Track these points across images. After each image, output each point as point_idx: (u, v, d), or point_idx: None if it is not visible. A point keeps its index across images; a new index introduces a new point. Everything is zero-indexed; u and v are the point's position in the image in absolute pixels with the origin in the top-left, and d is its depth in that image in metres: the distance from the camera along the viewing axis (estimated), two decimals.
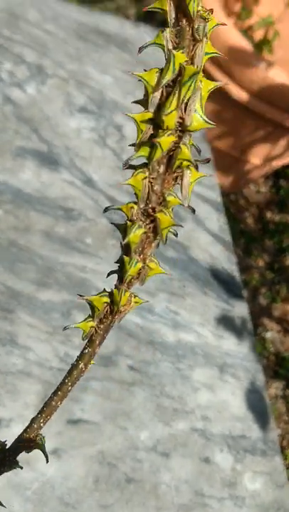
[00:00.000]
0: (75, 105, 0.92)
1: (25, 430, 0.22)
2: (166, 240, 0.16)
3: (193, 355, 0.74)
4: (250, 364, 0.77)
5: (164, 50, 0.14)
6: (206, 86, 0.14)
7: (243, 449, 0.70)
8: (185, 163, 0.15)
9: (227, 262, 0.86)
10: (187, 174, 0.16)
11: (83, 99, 0.93)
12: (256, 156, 1.29)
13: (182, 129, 0.15)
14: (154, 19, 1.63)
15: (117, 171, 0.88)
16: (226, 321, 0.79)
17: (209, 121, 0.15)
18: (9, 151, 0.81)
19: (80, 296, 0.18)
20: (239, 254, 1.36)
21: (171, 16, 0.14)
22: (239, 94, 1.12)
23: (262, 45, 1.39)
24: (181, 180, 0.16)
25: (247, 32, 1.42)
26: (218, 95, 1.15)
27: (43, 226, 0.77)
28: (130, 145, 0.15)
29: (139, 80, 0.15)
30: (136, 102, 0.15)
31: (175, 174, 0.16)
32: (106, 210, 0.17)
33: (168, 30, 0.14)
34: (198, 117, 0.15)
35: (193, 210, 0.16)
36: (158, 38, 0.14)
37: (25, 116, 0.86)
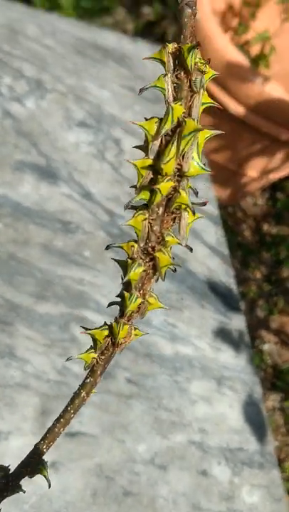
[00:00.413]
0: (74, 119, 0.93)
1: (28, 456, 0.22)
2: (164, 276, 0.17)
3: (191, 368, 0.74)
4: (248, 377, 0.77)
5: (164, 94, 0.15)
6: (202, 135, 0.16)
7: (240, 461, 0.70)
8: (183, 205, 0.17)
9: (225, 274, 0.87)
10: (185, 216, 0.17)
11: (82, 114, 0.94)
12: (253, 169, 1.30)
13: (180, 174, 0.16)
14: (152, 34, 1.65)
15: (115, 184, 0.89)
16: (223, 334, 0.79)
17: (205, 168, 0.16)
18: (8, 164, 0.82)
19: (84, 328, 0.19)
20: (236, 266, 1.36)
21: (170, 66, 0.15)
22: (236, 108, 1.14)
23: (258, 60, 1.41)
24: (179, 221, 0.17)
25: (244, 47, 1.44)
26: (216, 109, 1.17)
27: (42, 239, 0.77)
28: (131, 187, 0.16)
29: (143, 91, 0.16)
30: (137, 147, 0.16)
31: (173, 215, 0.17)
32: (108, 247, 0.18)
33: (169, 74, 0.15)
34: (195, 164, 0.16)
35: (191, 249, 0.17)
36: (159, 81, 0.15)
37: (25, 130, 0.87)
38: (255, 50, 1.44)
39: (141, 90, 0.15)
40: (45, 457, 0.24)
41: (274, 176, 1.36)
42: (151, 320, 0.76)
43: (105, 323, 0.20)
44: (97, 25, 1.56)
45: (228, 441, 0.71)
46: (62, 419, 0.22)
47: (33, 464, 0.22)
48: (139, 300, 0.18)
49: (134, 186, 0.16)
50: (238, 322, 0.82)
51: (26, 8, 1.10)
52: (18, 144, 0.85)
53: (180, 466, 0.67)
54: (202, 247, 0.89)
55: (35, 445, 0.22)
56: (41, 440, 0.22)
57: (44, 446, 0.22)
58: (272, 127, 1.14)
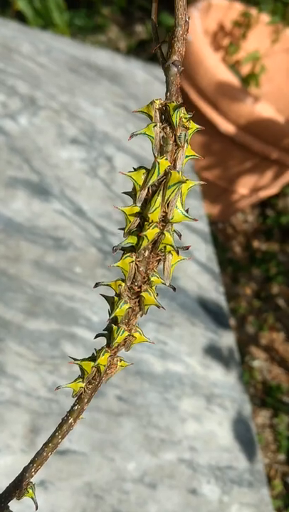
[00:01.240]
0: (67, 136, 0.94)
1: (17, 479, 0.23)
2: (146, 312, 0.18)
3: (181, 386, 0.74)
4: (237, 394, 0.78)
5: (151, 142, 0.16)
6: (186, 186, 0.17)
7: (230, 480, 0.70)
8: (168, 247, 0.18)
9: (215, 292, 0.87)
10: (169, 258, 0.18)
11: (74, 131, 0.95)
12: (243, 187, 1.31)
13: (165, 220, 0.17)
14: (144, 52, 1.68)
15: (106, 201, 0.89)
16: (213, 351, 0.79)
17: (188, 215, 0.17)
18: (1, 180, 0.82)
19: (73, 359, 0.20)
20: (227, 282, 1.37)
21: (157, 119, 0.16)
22: (227, 127, 1.16)
23: (249, 79, 1.43)
24: (164, 262, 0.18)
25: (235, 66, 1.47)
26: (207, 128, 1.19)
27: (33, 255, 0.78)
28: (119, 229, 0.18)
29: (139, 111, 0.17)
30: (125, 193, 0.18)
31: (158, 257, 0.18)
32: (97, 285, 0.18)
33: (158, 125, 0.16)
34: (178, 212, 0.17)
35: (174, 288, 0.18)
36: (148, 130, 0.16)
37: (18, 146, 0.88)
38: (246, 69, 1.47)
39: (131, 136, 0.16)
40: (34, 475, 0.24)
41: (264, 194, 1.37)
42: None
43: (93, 354, 0.20)
44: (91, 42, 1.58)
45: (217, 460, 0.71)
46: (50, 444, 0.22)
47: (21, 486, 0.23)
48: (126, 333, 0.19)
49: (122, 229, 0.18)
50: (228, 339, 0.83)
51: (21, 26, 1.11)
52: (11, 160, 0.86)
53: (169, 484, 0.67)
54: (193, 264, 0.90)
55: (24, 468, 0.23)
56: (30, 464, 0.23)
57: (32, 470, 0.23)
58: (262, 146, 1.16)
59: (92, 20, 1.56)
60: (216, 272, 0.91)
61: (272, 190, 1.38)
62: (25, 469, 0.23)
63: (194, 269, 0.89)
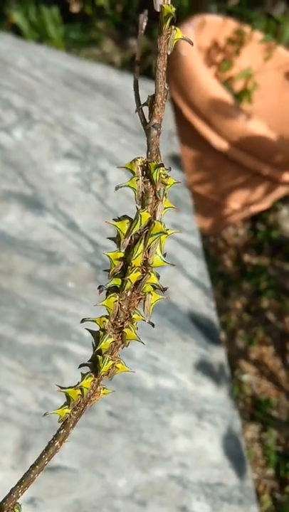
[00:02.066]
0: (61, 150, 0.94)
1: (4, 499, 0.23)
2: (128, 345, 0.21)
3: (172, 401, 0.75)
4: (228, 410, 0.78)
5: (135, 193, 0.18)
6: (164, 236, 0.19)
7: (220, 497, 0.70)
8: (148, 288, 0.20)
9: (206, 307, 0.88)
10: (149, 297, 0.20)
11: (69, 145, 0.96)
12: (235, 201, 1.33)
13: (145, 264, 0.20)
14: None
15: (100, 215, 0.90)
16: (204, 367, 0.80)
17: (166, 261, 0.20)
18: None
19: (59, 387, 0.22)
20: (217, 296, 1.38)
21: (139, 174, 0.18)
22: (219, 143, 1.17)
23: (242, 96, 1.46)
24: (144, 301, 0.20)
25: (228, 82, 1.49)
26: (200, 143, 1.20)
27: (26, 269, 0.78)
28: (104, 270, 0.20)
29: (124, 167, 0.19)
30: (110, 238, 0.20)
31: (139, 297, 0.20)
32: (83, 321, 0.21)
33: (141, 178, 0.18)
34: (157, 258, 0.19)
35: (153, 325, 0.20)
36: (132, 182, 0.18)
37: (12, 160, 0.88)
38: (238, 85, 1.49)
39: (116, 188, 0.18)
40: (20, 496, 0.25)
41: (255, 208, 1.39)
42: (133, 353, 0.76)
43: (78, 383, 0.22)
44: (85, 56, 1.60)
45: (207, 476, 0.71)
46: (37, 466, 0.23)
47: (8, 507, 0.23)
48: (111, 362, 0.21)
49: (107, 271, 0.20)
50: (218, 355, 0.83)
51: (17, 39, 1.12)
52: (5, 174, 0.86)
53: (160, 501, 0.66)
54: (184, 279, 0.91)
55: (11, 490, 0.24)
56: (17, 485, 0.24)
57: (19, 491, 0.24)
58: (254, 162, 1.18)
59: (87, 34, 1.58)
60: (207, 288, 0.91)
61: (264, 205, 1.39)
62: (12, 490, 0.24)
63: (186, 285, 0.90)
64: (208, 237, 1.49)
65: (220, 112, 1.14)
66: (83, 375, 0.22)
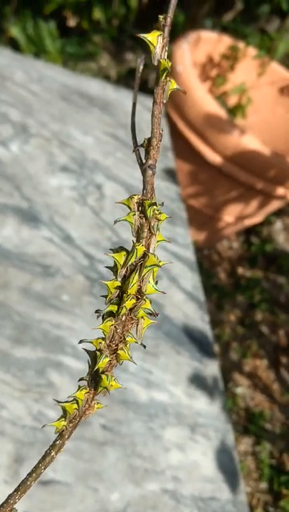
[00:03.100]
0: (57, 164, 0.95)
1: (1, 505, 0.25)
2: (122, 364, 0.23)
3: (165, 415, 0.75)
4: (221, 424, 0.78)
5: (131, 226, 0.20)
6: (156, 268, 0.21)
7: (212, 511, 0.70)
8: (141, 313, 0.22)
9: (200, 320, 0.88)
10: (141, 322, 0.22)
11: (65, 159, 0.96)
12: (229, 215, 1.34)
13: (140, 292, 0.21)
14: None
15: (95, 228, 0.91)
16: (197, 381, 0.80)
17: (158, 289, 0.21)
18: None
19: (56, 401, 0.23)
20: (211, 308, 1.39)
21: (135, 209, 0.20)
22: (214, 157, 1.18)
23: (236, 110, 1.48)
24: (137, 325, 0.22)
25: (222, 97, 1.51)
26: (195, 158, 1.21)
27: (21, 282, 0.78)
28: (101, 296, 0.22)
29: (121, 203, 0.21)
30: (108, 267, 0.21)
31: (133, 321, 0.22)
32: (81, 342, 0.22)
33: (137, 213, 0.21)
34: (150, 286, 0.21)
35: (144, 346, 0.22)
36: (128, 217, 0.20)
37: (8, 173, 0.89)
38: (232, 100, 1.51)
39: (115, 222, 0.20)
40: (17, 507, 0.26)
41: (249, 222, 1.40)
42: (128, 366, 0.77)
43: (75, 398, 0.24)
44: (82, 69, 1.61)
45: (200, 490, 0.71)
46: (34, 474, 0.25)
47: None
48: (112, 378, 0.23)
49: (105, 296, 0.22)
50: (212, 368, 0.83)
51: (15, 54, 1.13)
52: (2, 187, 0.87)
53: None
54: (178, 292, 0.91)
55: (9, 496, 0.25)
56: (14, 491, 0.25)
57: (17, 497, 0.25)
58: (248, 176, 1.19)
59: (84, 47, 1.60)
60: (201, 301, 0.92)
61: (257, 219, 1.40)
62: (10, 496, 0.26)
63: (180, 298, 0.90)
64: (202, 250, 1.50)
65: (214, 127, 1.16)
66: (79, 388, 0.24)
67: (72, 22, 1.52)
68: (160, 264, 0.21)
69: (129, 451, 0.70)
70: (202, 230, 1.41)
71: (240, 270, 1.53)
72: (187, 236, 1.01)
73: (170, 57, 1.24)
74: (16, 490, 0.25)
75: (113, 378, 0.23)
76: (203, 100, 1.19)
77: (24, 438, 0.66)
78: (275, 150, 1.38)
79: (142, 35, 0.18)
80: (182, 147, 1.18)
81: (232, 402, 1.24)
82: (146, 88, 1.61)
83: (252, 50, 1.51)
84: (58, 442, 0.24)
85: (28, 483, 0.25)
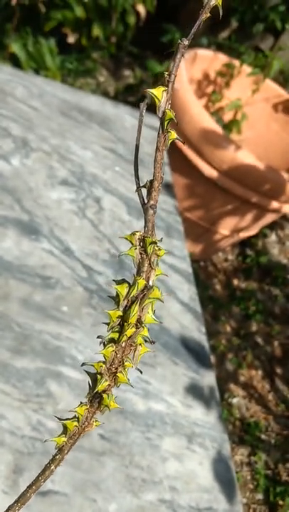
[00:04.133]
0: (57, 178, 0.97)
1: None
2: (119, 386, 0.25)
3: (163, 425, 0.76)
4: (218, 434, 0.79)
5: (133, 260, 0.22)
6: (155, 296, 0.23)
7: None
8: (139, 340, 0.24)
9: (196, 331, 0.90)
10: (139, 348, 0.24)
11: (65, 172, 0.98)
12: (225, 227, 1.36)
13: (139, 321, 0.23)
14: (132, 96, 1.75)
15: (94, 241, 0.92)
16: (194, 391, 0.81)
17: (156, 319, 0.23)
18: None
19: (58, 418, 0.25)
20: (207, 319, 1.40)
21: (137, 244, 0.22)
22: (210, 171, 1.21)
23: (231, 126, 1.51)
24: (134, 351, 0.24)
25: (218, 113, 1.54)
26: (191, 172, 1.24)
27: (22, 293, 0.79)
28: (104, 323, 0.24)
29: (124, 238, 0.23)
30: (111, 297, 0.23)
31: (132, 347, 0.24)
32: (83, 365, 0.24)
33: (138, 248, 0.23)
34: (149, 316, 0.23)
35: (141, 372, 0.25)
36: (130, 251, 0.22)
37: (9, 186, 0.91)
38: (228, 116, 1.54)
39: (119, 256, 0.22)
40: None
41: (244, 234, 1.42)
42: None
43: (75, 416, 0.25)
44: (81, 85, 1.64)
45: (197, 500, 0.72)
46: (33, 486, 0.26)
47: None
48: (113, 397, 0.25)
49: (107, 324, 0.24)
50: (208, 379, 0.85)
51: (16, 70, 1.16)
52: (3, 200, 0.88)
53: None
54: (175, 303, 0.93)
55: (9, 506, 0.27)
56: (14, 502, 0.26)
57: (17, 508, 0.26)
58: (243, 190, 1.21)
59: (83, 64, 1.63)
60: (198, 312, 0.93)
61: (252, 232, 1.43)
62: (10, 507, 0.27)
63: (177, 309, 0.92)
64: (198, 262, 1.52)
65: (210, 142, 1.18)
66: (80, 404, 0.25)
67: (71, 39, 1.55)
68: (162, 298, 0.23)
69: (127, 462, 0.71)
70: (198, 243, 1.43)
71: (236, 282, 1.55)
72: (184, 248, 1.03)
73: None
74: (16, 501, 0.27)
75: (113, 397, 0.25)
76: (199, 116, 1.22)
77: (23, 448, 0.67)
78: (270, 164, 1.40)
79: (149, 90, 0.20)
80: (179, 161, 1.21)
81: (228, 412, 1.25)
82: (135, 100, 1.64)
83: (247, 68, 1.54)
84: (57, 457, 0.26)
85: (28, 495, 0.26)
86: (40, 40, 1.44)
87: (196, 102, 1.24)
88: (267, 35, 1.92)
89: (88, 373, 0.25)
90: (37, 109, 1.07)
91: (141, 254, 0.22)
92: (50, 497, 0.64)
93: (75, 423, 0.25)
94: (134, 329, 0.23)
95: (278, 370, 1.39)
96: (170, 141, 0.21)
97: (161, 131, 0.21)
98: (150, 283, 0.23)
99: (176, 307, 0.92)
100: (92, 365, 0.24)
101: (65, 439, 0.25)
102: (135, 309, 0.22)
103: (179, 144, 1.23)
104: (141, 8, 1.52)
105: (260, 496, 1.15)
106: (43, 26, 1.46)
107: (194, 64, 1.44)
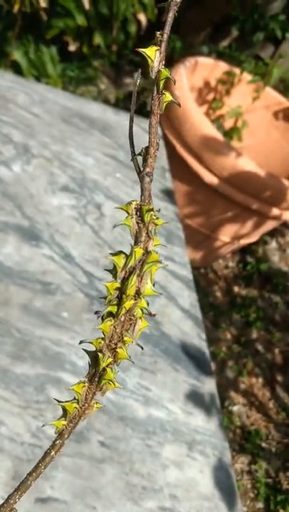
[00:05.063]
0: (58, 184, 0.97)
1: (2, 505, 0.25)
2: (119, 364, 0.24)
3: (163, 432, 0.76)
4: (218, 441, 0.79)
5: (130, 230, 0.21)
6: (154, 268, 0.22)
7: None
8: (139, 313, 0.23)
9: (197, 338, 0.90)
10: (138, 322, 0.23)
11: (65, 179, 0.99)
12: (225, 234, 1.36)
13: (138, 293, 0.22)
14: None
15: (94, 247, 0.92)
16: (195, 398, 0.81)
17: (155, 290, 0.23)
18: None
19: (57, 401, 0.24)
20: (208, 326, 1.40)
21: (133, 214, 0.21)
22: (210, 178, 1.21)
23: (232, 133, 1.51)
24: (134, 326, 0.23)
25: (218, 120, 1.55)
26: (192, 179, 1.24)
27: (22, 299, 0.79)
28: (101, 297, 0.23)
29: (120, 208, 0.22)
30: (107, 270, 0.22)
31: (131, 321, 0.23)
32: (81, 342, 0.23)
33: (135, 217, 0.21)
34: (148, 287, 0.22)
35: (142, 347, 0.24)
36: (127, 221, 0.21)
37: (11, 193, 0.91)
38: (228, 123, 1.55)
39: (114, 226, 0.21)
40: (17, 501, 0.27)
41: (245, 241, 1.42)
42: (126, 383, 0.77)
43: (75, 398, 0.24)
44: (82, 92, 1.65)
45: (198, 508, 0.71)
46: (34, 473, 0.25)
47: (5, 511, 0.25)
48: (116, 372, 0.24)
49: (104, 298, 0.22)
50: (209, 386, 0.84)
51: (17, 77, 1.16)
52: (4, 206, 0.89)
53: None
54: (176, 310, 0.93)
55: (9, 495, 0.26)
56: (14, 491, 0.26)
57: (17, 496, 0.26)
58: (243, 197, 1.22)
59: (84, 72, 1.64)
60: (198, 319, 0.93)
61: (253, 238, 1.43)
62: (10, 496, 0.26)
63: (178, 316, 0.92)
64: (198, 269, 1.52)
65: (211, 149, 1.18)
66: (78, 383, 0.24)
67: (72, 47, 1.56)
68: (158, 266, 0.22)
69: (127, 469, 0.71)
70: (199, 249, 1.43)
71: (236, 289, 1.55)
72: (184, 255, 1.03)
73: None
74: (16, 489, 0.26)
75: (116, 371, 0.24)
76: (200, 123, 1.22)
77: (23, 455, 0.66)
78: (270, 171, 1.41)
79: (141, 50, 0.20)
80: (180, 169, 1.21)
81: (228, 420, 1.24)
82: (143, 111, 1.65)
83: (247, 76, 1.55)
84: (57, 442, 0.25)
85: (28, 482, 0.25)
86: (41, 48, 1.45)
87: (197, 110, 1.25)
88: (267, 44, 1.94)
89: (87, 351, 0.24)
90: (38, 115, 1.08)
91: (138, 223, 0.21)
92: (50, 504, 0.64)
93: (75, 405, 0.24)
94: (133, 301, 0.22)
95: (279, 378, 1.38)
96: (165, 105, 0.20)
97: (156, 93, 0.20)
98: (149, 250, 0.22)
99: (176, 313, 0.92)
100: (90, 343, 0.23)
101: (65, 423, 0.24)
102: (133, 280, 0.21)
103: (180, 152, 1.24)
104: (142, 17, 1.54)
105: (260, 505, 1.14)
106: (45, 34, 1.47)
107: (195, 72, 1.45)
